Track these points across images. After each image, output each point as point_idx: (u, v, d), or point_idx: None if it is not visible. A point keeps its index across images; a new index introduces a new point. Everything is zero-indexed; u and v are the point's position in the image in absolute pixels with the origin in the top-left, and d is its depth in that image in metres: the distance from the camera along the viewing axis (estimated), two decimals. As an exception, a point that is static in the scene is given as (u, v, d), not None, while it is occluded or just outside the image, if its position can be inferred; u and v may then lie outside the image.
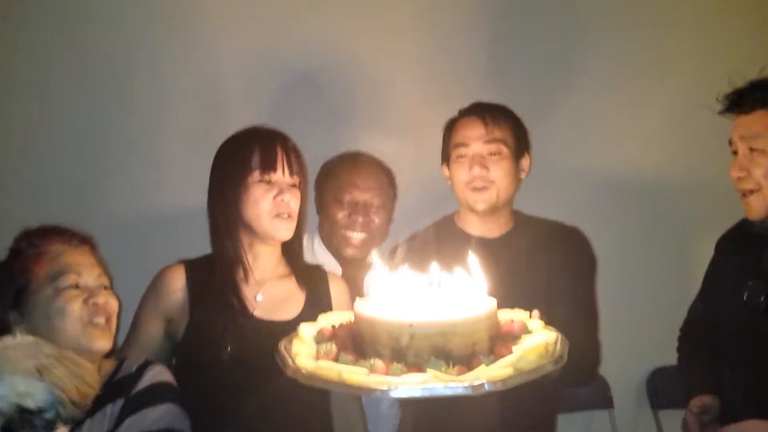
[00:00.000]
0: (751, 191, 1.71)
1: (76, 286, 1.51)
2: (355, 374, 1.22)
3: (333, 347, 1.33)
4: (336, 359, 1.29)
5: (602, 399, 2.59)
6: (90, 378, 1.36)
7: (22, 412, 1.24)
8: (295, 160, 1.79)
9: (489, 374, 1.20)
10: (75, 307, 1.48)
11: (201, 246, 1.82)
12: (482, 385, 1.18)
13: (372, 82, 2.53)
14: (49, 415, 1.27)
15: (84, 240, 1.62)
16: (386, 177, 2.26)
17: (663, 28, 2.64)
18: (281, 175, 1.75)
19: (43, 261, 1.52)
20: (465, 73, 2.55)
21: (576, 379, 1.97)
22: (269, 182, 1.74)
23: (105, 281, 1.58)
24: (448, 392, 1.17)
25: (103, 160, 2.41)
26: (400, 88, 2.55)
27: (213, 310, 1.71)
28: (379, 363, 1.24)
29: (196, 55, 2.45)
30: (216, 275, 1.75)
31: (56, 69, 2.37)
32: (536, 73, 2.60)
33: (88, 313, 1.49)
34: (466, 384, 1.18)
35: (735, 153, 1.76)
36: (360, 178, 2.18)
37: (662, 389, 2.63)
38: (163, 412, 1.48)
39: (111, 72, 2.40)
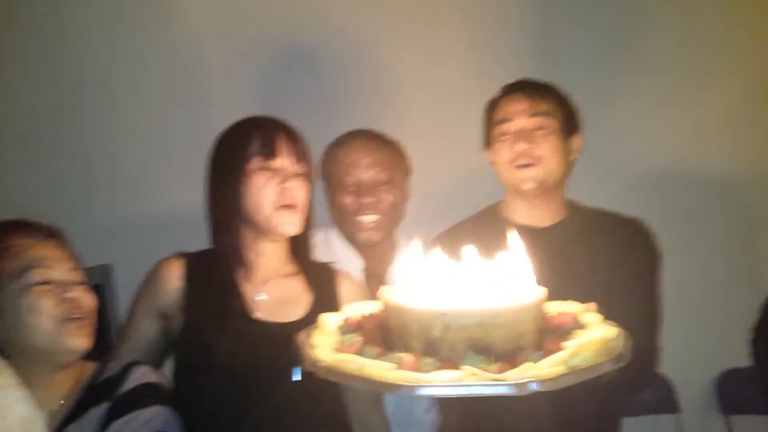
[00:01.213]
0: None
1: (47, 282, 1.38)
2: (379, 369, 1.06)
3: (357, 339, 1.17)
4: (360, 352, 1.14)
5: (667, 403, 2.40)
6: None
7: None
8: (300, 147, 1.63)
9: (536, 372, 1.02)
10: (48, 303, 1.35)
11: (192, 245, 1.70)
12: (528, 384, 1.00)
13: (390, 63, 2.37)
14: None
15: (52, 233, 1.48)
16: (391, 150, 2.06)
17: (729, 9, 2.43)
18: (284, 162, 1.60)
19: (9, 256, 1.39)
20: (508, 53, 2.38)
21: (628, 385, 1.76)
22: (271, 170, 1.59)
23: (78, 276, 1.45)
24: (486, 391, 1.00)
25: (85, 157, 2.34)
26: (428, 70, 2.38)
27: (210, 310, 1.57)
28: (407, 357, 1.08)
29: (180, 35, 2.34)
30: (215, 274, 1.61)
31: (34, 62, 2.30)
32: (590, 53, 2.42)
33: (63, 309, 1.37)
34: (508, 382, 1.00)
35: None
36: (360, 155, 1.99)
37: (734, 392, 2.43)
38: (151, 414, 1.37)
39: (89, 61, 2.32)
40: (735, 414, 2.39)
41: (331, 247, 2.05)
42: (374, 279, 1.87)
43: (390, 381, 1.03)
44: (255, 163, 1.59)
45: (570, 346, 1.11)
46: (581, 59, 2.39)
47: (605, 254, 1.76)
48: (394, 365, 1.07)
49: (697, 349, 2.34)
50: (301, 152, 1.63)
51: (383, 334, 1.22)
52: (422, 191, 2.19)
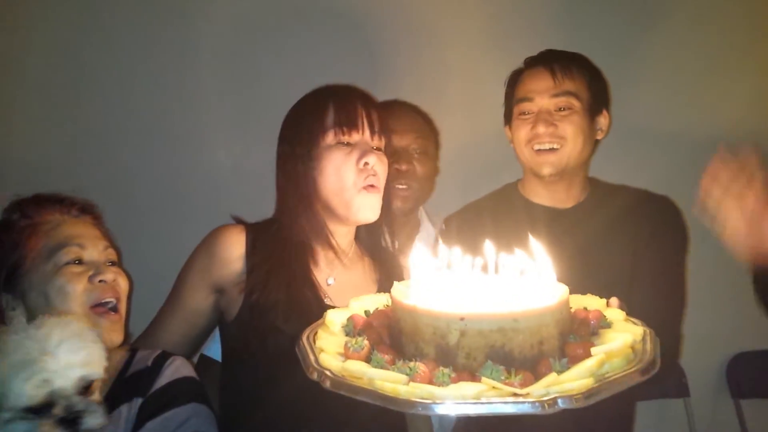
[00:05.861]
0: None
1: (79, 262, 1.28)
2: (390, 382, 0.97)
3: (364, 342, 1.08)
4: (368, 359, 1.05)
5: (677, 387, 2.33)
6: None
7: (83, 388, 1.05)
8: (378, 120, 1.48)
9: (563, 387, 0.94)
10: (78, 287, 1.25)
11: (243, 207, 1.58)
12: (554, 401, 0.91)
13: (419, 25, 2.27)
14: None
15: (85, 209, 1.38)
16: (425, 121, 2.00)
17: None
18: (362, 136, 1.45)
19: (39, 233, 1.29)
20: (534, 18, 2.25)
21: None
22: (348, 144, 1.45)
23: (112, 255, 1.34)
24: (509, 410, 0.91)
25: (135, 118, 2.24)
26: (454, 35, 2.28)
27: (278, 293, 1.42)
28: (420, 367, 0.99)
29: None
30: (285, 257, 1.45)
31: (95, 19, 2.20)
32: (616, 18, 2.28)
33: (95, 293, 1.26)
34: (533, 399, 0.92)
35: None
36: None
37: (744, 376, 2.37)
38: (189, 413, 1.26)
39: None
40: (746, 398, 2.33)
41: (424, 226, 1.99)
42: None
43: (402, 397, 0.94)
44: (330, 137, 1.44)
45: (597, 353, 1.02)
46: (608, 25, 2.25)
47: (630, 236, 1.65)
48: (406, 377, 0.98)
49: (708, 333, 2.24)
50: (380, 124, 1.48)
51: (392, 336, 1.13)
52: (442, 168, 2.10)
